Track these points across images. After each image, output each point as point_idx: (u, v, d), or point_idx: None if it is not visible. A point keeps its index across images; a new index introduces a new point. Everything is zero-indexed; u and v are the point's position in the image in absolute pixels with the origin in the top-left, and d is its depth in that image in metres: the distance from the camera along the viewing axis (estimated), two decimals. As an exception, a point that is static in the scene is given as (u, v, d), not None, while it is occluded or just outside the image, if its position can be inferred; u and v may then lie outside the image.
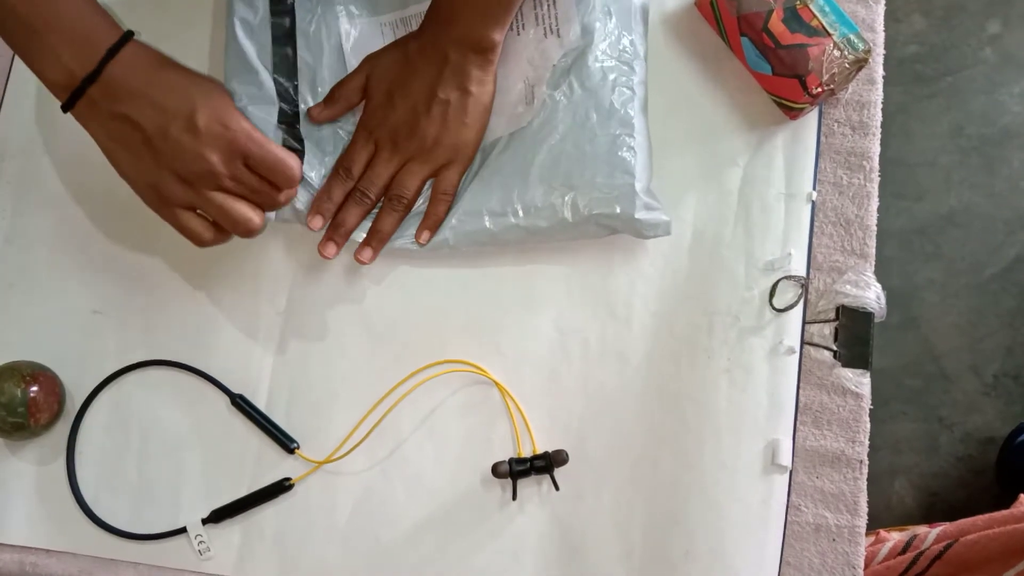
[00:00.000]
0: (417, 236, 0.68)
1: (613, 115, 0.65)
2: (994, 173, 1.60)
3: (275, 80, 0.67)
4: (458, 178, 0.68)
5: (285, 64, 0.68)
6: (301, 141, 0.68)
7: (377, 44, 0.70)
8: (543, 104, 0.67)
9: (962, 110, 1.62)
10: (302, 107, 0.69)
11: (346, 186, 0.67)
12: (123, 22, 0.61)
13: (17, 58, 0.75)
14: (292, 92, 0.68)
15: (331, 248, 0.67)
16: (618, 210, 0.64)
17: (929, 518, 1.48)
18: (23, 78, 0.74)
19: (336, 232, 0.67)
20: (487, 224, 0.66)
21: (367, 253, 0.68)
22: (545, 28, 0.69)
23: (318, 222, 0.67)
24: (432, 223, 0.68)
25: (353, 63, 0.70)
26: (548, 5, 0.68)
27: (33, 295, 0.71)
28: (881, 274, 0.68)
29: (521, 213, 0.65)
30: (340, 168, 0.68)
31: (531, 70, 0.69)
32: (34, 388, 0.65)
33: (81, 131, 0.72)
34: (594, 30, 0.67)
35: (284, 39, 0.68)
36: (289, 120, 0.68)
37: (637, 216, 0.64)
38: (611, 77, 0.66)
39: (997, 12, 1.66)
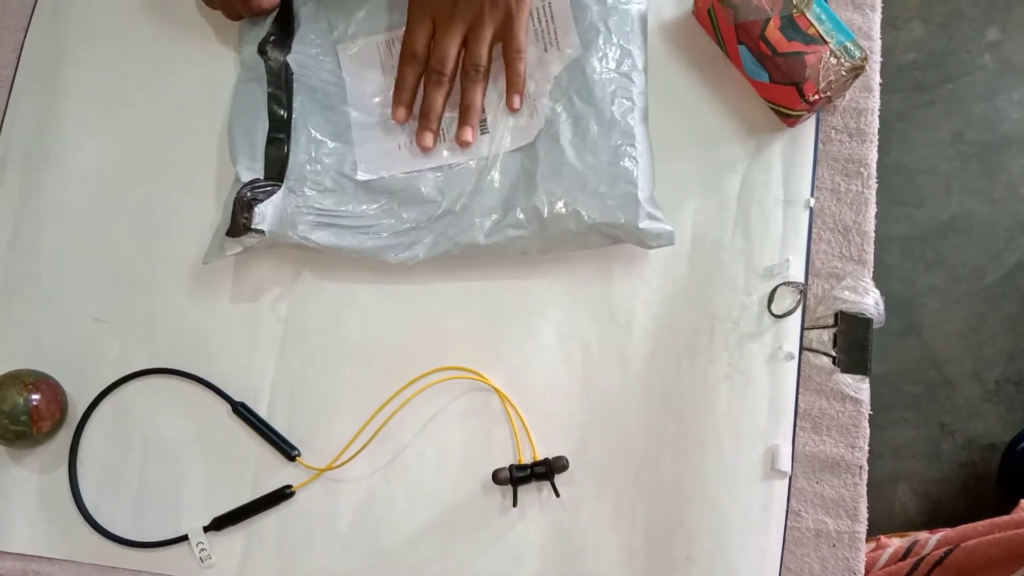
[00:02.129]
0: (508, 104, 0.68)
1: (614, 126, 0.66)
2: (994, 179, 1.60)
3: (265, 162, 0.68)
4: (523, 32, 0.68)
5: (276, 158, 0.68)
6: (249, 207, 0.65)
7: (375, 61, 0.71)
8: (544, 117, 0.67)
9: (962, 116, 1.63)
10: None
11: (416, 69, 0.68)
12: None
13: (20, 68, 0.75)
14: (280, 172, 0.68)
15: (428, 137, 0.68)
16: (622, 220, 0.64)
17: (931, 524, 1.47)
18: (27, 86, 0.75)
19: (427, 119, 0.68)
20: (490, 235, 0.66)
21: (467, 132, 0.67)
22: (545, 43, 0.69)
23: (402, 113, 0.68)
24: (518, 85, 0.68)
25: (349, 79, 0.71)
26: (547, 20, 0.69)
27: (35, 303, 0.71)
28: (882, 280, 0.68)
29: (524, 224, 0.65)
30: (406, 53, 0.68)
31: (532, 84, 0.69)
32: (36, 396, 0.65)
33: (85, 138, 0.73)
34: (592, 42, 0.68)
35: (280, 126, 0.69)
36: (263, 188, 0.67)
37: (641, 226, 0.64)
38: (610, 88, 0.66)
39: (996, 19, 1.67)
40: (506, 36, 0.68)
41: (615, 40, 0.68)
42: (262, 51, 0.68)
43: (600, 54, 0.67)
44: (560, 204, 0.64)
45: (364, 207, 0.68)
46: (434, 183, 0.68)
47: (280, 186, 0.66)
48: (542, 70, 0.69)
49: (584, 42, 0.68)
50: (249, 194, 0.65)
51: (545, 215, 0.64)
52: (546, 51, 0.69)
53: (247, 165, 0.67)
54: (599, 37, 0.68)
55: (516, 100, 0.68)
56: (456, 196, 0.67)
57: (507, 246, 0.66)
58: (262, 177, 0.66)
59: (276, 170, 0.67)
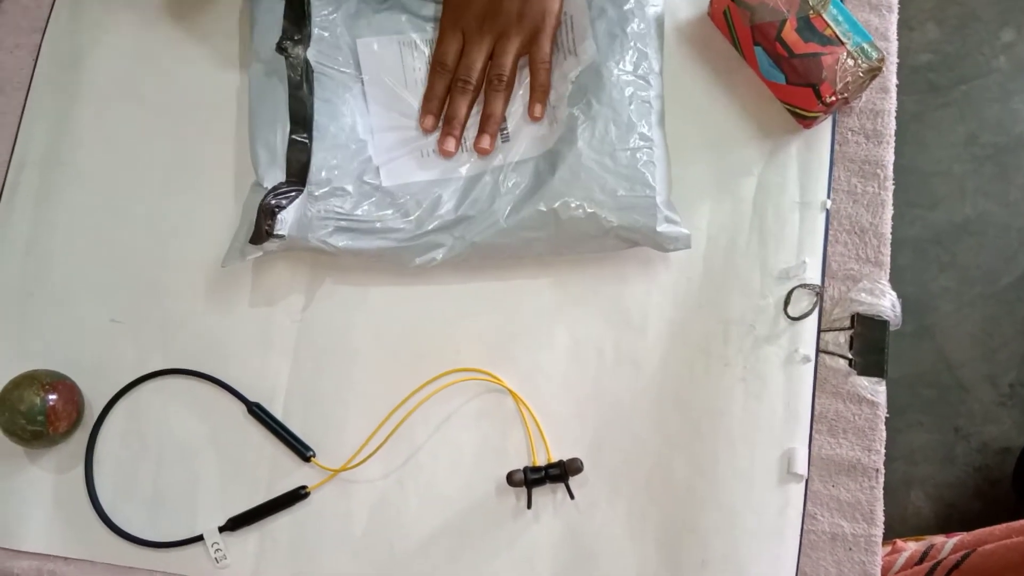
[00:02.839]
0: (530, 111, 0.69)
1: (632, 129, 0.66)
2: (1008, 181, 1.60)
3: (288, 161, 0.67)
4: (550, 45, 0.69)
5: (298, 160, 0.67)
6: (273, 214, 0.64)
7: (395, 62, 0.71)
8: (563, 124, 0.67)
9: (976, 119, 1.62)
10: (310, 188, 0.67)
11: (445, 79, 0.70)
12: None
13: (37, 70, 0.76)
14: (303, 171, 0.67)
15: (451, 143, 0.69)
16: (640, 223, 0.64)
17: (945, 528, 1.46)
18: (44, 89, 0.75)
19: (450, 126, 0.69)
20: (509, 237, 0.66)
21: (485, 140, 0.69)
22: (565, 51, 0.70)
23: (430, 121, 0.70)
24: (541, 94, 0.69)
25: (367, 78, 0.71)
26: (566, 30, 0.70)
27: (52, 304, 0.71)
28: (895, 282, 0.68)
29: (541, 227, 0.65)
30: (436, 64, 0.70)
31: (552, 94, 0.70)
32: (53, 396, 0.65)
33: (101, 141, 0.74)
34: (609, 47, 0.67)
35: (300, 125, 0.68)
36: (286, 194, 0.66)
37: (659, 229, 0.64)
38: (628, 92, 0.66)
39: (1011, 20, 1.66)
40: (532, 48, 0.69)
41: (632, 44, 0.68)
42: (281, 48, 0.68)
43: (617, 58, 0.67)
44: (578, 207, 0.64)
45: (384, 212, 0.67)
46: (454, 188, 0.68)
47: (302, 190, 0.66)
48: (561, 77, 0.69)
49: (601, 47, 0.68)
50: (273, 201, 0.64)
51: (563, 218, 0.64)
52: (565, 59, 0.70)
53: (269, 169, 0.67)
54: (616, 41, 0.68)
55: (538, 109, 0.69)
56: (475, 200, 0.67)
57: (523, 248, 0.66)
58: (283, 179, 0.66)
59: (298, 173, 0.67)
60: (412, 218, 0.67)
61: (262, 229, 0.64)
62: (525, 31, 0.68)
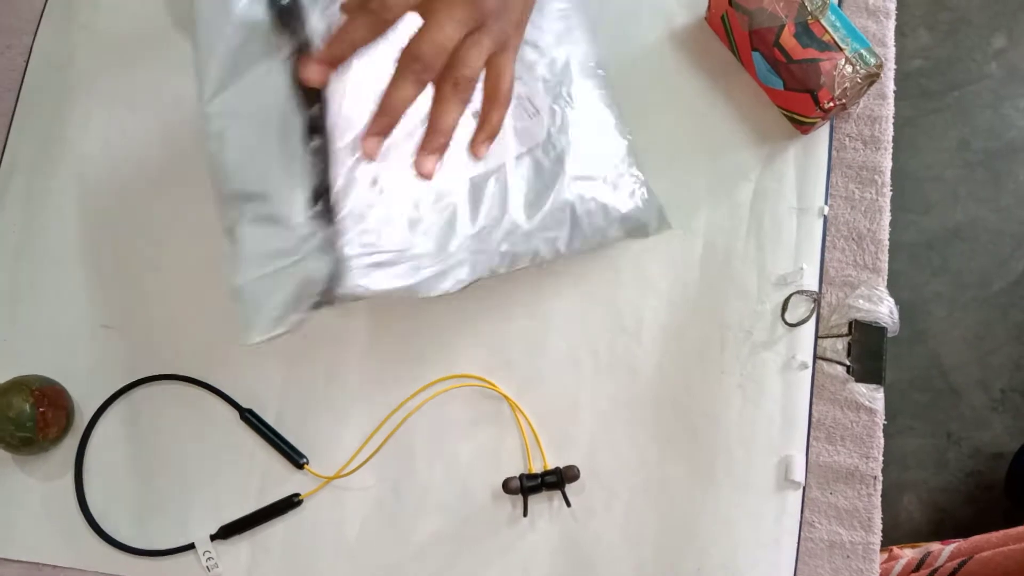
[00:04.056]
0: (474, 148, 0.54)
1: (607, 111, 0.66)
2: (1000, 187, 1.60)
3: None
4: (513, 59, 0.53)
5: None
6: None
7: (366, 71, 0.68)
8: (546, 112, 0.65)
9: (968, 124, 1.63)
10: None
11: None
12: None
13: (28, 73, 0.75)
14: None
15: (430, 162, 0.51)
16: (634, 202, 0.65)
17: (938, 534, 1.47)
18: (33, 93, 0.75)
19: (430, 138, 0.51)
20: (532, 242, 0.62)
21: (429, 162, 0.50)
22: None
23: (373, 144, 0.51)
24: (490, 132, 0.53)
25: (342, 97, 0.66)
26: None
27: (43, 309, 0.71)
28: (889, 287, 0.68)
29: (559, 225, 0.63)
30: (405, 52, 0.49)
31: (521, 86, 0.64)
32: (43, 403, 0.64)
33: (92, 144, 0.73)
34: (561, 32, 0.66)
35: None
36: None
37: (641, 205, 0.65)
38: (590, 74, 0.66)
39: (1002, 26, 1.66)
40: (492, 64, 0.53)
41: (571, 23, 0.67)
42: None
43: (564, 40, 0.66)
44: (590, 199, 0.63)
45: (405, 236, 0.60)
46: (463, 198, 0.62)
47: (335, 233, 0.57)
48: (527, 69, 0.65)
49: (558, 35, 0.66)
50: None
51: (579, 212, 0.62)
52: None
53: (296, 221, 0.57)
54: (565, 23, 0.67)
55: (484, 148, 0.54)
56: (489, 209, 0.62)
57: (546, 249, 0.63)
58: (303, 220, 0.57)
59: (324, 207, 0.57)
60: (434, 241, 0.60)
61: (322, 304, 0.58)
62: (503, 29, 0.52)
